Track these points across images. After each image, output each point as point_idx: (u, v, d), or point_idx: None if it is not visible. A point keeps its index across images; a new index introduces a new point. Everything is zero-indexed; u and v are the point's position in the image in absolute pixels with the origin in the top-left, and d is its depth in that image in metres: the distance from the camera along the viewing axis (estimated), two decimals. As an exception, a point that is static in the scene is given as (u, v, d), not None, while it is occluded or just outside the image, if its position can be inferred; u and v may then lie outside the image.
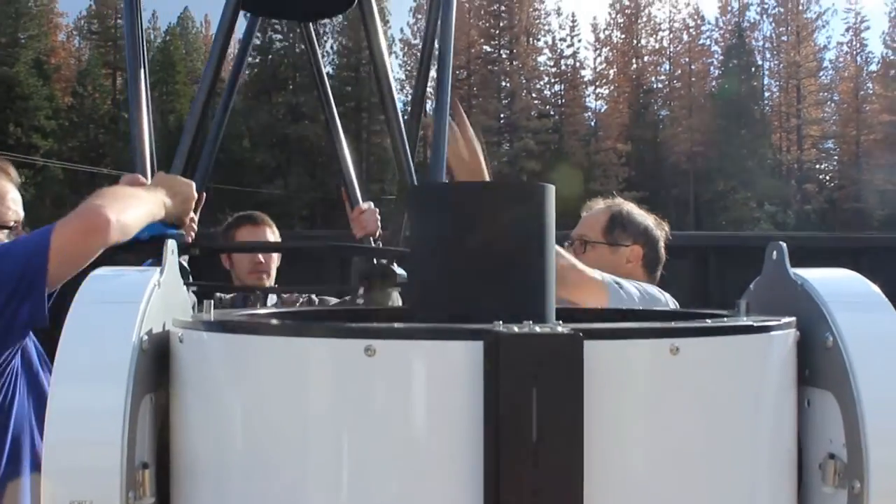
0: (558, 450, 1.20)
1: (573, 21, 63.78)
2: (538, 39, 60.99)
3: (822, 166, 62.47)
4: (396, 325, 1.31)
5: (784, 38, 61.42)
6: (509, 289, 1.48)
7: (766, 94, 62.66)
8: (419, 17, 61.17)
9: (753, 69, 60.55)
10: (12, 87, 53.54)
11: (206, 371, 1.45)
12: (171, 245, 1.67)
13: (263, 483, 1.35)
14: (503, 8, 58.10)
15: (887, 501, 1.46)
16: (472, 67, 58.17)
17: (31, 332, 2.35)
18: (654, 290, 3.08)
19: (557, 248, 2.67)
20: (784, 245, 1.76)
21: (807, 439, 1.60)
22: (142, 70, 2.71)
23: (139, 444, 1.44)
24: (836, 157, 62.05)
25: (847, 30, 61.80)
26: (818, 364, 1.57)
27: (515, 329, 1.21)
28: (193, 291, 3.04)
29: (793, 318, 1.55)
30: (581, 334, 1.21)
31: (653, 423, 1.32)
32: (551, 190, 1.64)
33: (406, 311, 1.70)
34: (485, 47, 56.33)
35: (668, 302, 3.03)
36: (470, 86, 58.49)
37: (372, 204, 3.40)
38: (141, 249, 2.35)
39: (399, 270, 2.84)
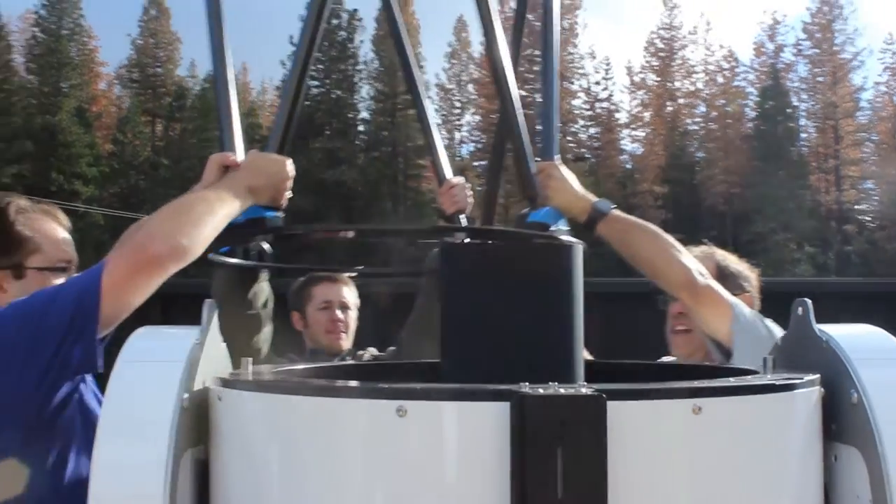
0: (583, 507, 1.24)
1: (607, 64, 63.90)
2: (573, 83, 61.23)
3: (862, 207, 61.89)
4: (427, 385, 1.36)
5: (820, 78, 61.19)
6: (536, 349, 1.52)
7: (803, 134, 62.31)
8: (454, 61, 61.74)
9: (789, 110, 60.29)
10: (55, 135, 54.50)
11: (244, 428, 1.50)
12: (209, 307, 1.73)
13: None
14: (537, 52, 58.55)
15: (913, 557, 1.48)
16: (507, 111, 58.52)
17: (94, 384, 2.25)
18: (769, 321, 2.96)
19: (696, 262, 2.67)
20: (809, 302, 1.79)
21: (834, 494, 1.62)
22: (227, 49, 2.54)
23: (181, 498, 1.49)
24: (875, 198, 61.47)
25: (884, 70, 61.58)
26: (844, 420, 1.59)
27: (540, 390, 1.26)
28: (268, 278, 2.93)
29: (816, 376, 1.58)
30: (604, 395, 1.25)
31: (677, 481, 1.36)
32: (579, 249, 1.69)
33: (438, 367, 1.75)
34: (520, 91, 56.69)
35: (776, 333, 2.90)
36: (505, 130, 58.79)
37: (463, 178, 3.20)
38: (236, 233, 2.28)
39: None
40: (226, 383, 1.56)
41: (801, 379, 1.54)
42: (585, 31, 61.53)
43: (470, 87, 62.41)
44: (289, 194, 2.44)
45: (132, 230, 2.56)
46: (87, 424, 2.10)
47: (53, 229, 2.55)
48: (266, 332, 3.06)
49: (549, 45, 2.81)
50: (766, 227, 54.62)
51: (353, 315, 4.16)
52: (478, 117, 61.91)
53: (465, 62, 62.08)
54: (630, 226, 2.65)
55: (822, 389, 1.59)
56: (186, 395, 1.53)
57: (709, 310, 2.66)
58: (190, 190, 2.47)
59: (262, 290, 2.96)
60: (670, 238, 2.64)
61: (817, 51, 60.74)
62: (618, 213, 2.65)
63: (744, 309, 2.67)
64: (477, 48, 61.04)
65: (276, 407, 1.45)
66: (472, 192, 3.18)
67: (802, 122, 62.33)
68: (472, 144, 62.38)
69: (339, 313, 4.10)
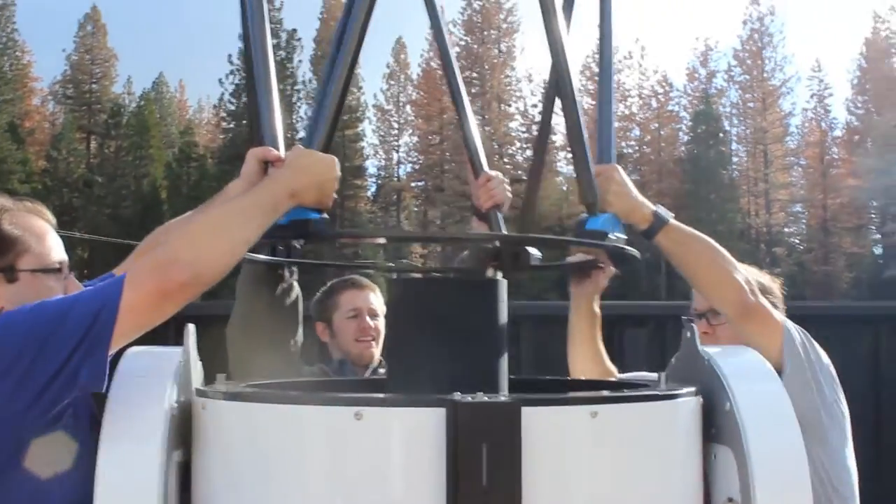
0: (503, 492, 1.58)
1: (544, 87, 64.82)
2: (510, 105, 62.05)
3: (791, 230, 63.43)
4: (379, 395, 1.69)
5: (750, 104, 62.72)
6: (467, 366, 1.87)
7: (735, 158, 63.75)
8: (392, 83, 62.13)
9: (721, 134, 61.66)
10: (-14, 151, 53.93)
11: (223, 433, 1.80)
12: (190, 331, 2.03)
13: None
14: (475, 75, 59.14)
15: (771, 536, 1.83)
16: (444, 133, 59.04)
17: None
18: (816, 345, 2.84)
19: (749, 278, 2.64)
20: (695, 326, 2.15)
21: (713, 486, 1.97)
22: (268, 36, 2.36)
23: (170, 495, 1.80)
24: (804, 221, 63.07)
25: (812, 96, 63.32)
26: (720, 424, 1.95)
27: (469, 399, 1.60)
28: (291, 274, 2.87)
29: (694, 388, 1.94)
30: (519, 403, 1.59)
31: (579, 472, 1.71)
32: (503, 284, 2.04)
33: (387, 382, 2.08)
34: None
35: (823, 357, 2.86)
36: (442, 151, 59.29)
37: (500, 173, 2.96)
38: (279, 235, 2.13)
39: (534, 252, 2.44)
40: (208, 394, 1.87)
41: (682, 390, 1.90)
42: (523, 55, 62.24)
43: (408, 108, 62.86)
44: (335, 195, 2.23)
45: (157, 237, 2.52)
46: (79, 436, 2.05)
47: (42, 227, 2.36)
48: (299, 334, 3.08)
49: (606, 48, 2.72)
50: (697, 248, 55.77)
51: (381, 323, 3.89)
52: (415, 138, 62.34)
53: (404, 83, 62.53)
54: (688, 238, 2.59)
55: (702, 399, 1.95)
56: (175, 405, 1.85)
57: (758, 328, 2.64)
58: (226, 189, 2.41)
59: (292, 287, 2.97)
60: (726, 252, 2.60)
61: (748, 77, 62.23)
62: (676, 223, 2.57)
63: (794, 332, 2.68)
64: (415, 69, 61.54)
65: (252, 414, 1.76)
66: (510, 188, 2.97)
67: (734, 146, 63.68)
68: (410, 165, 62.78)
69: (368, 321, 3.85)
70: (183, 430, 1.89)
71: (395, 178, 62.39)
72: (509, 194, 2.91)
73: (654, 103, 63.64)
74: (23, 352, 1.93)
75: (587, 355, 3.04)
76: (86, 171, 59.81)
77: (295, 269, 2.84)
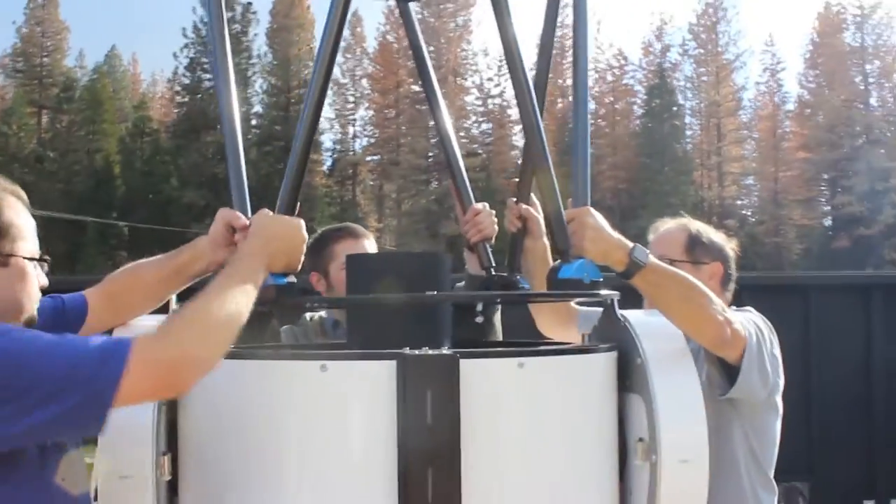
0: (445, 430, 1.92)
1: (500, 61, 65.02)
2: (465, 79, 62.13)
3: (743, 202, 64.22)
4: (341, 350, 2.04)
5: (704, 78, 63.21)
6: (415, 326, 2.20)
7: (688, 132, 64.30)
8: (349, 56, 61.92)
9: (675, 108, 62.15)
10: (-65, 126, 53.09)
11: (207, 389, 2.06)
12: (173, 300, 2.34)
13: (249, 465, 2.03)
14: (431, 48, 59.14)
15: (673, 467, 2.18)
16: (400, 107, 59.10)
17: None
18: (771, 337, 2.97)
19: (723, 307, 2.63)
20: (615, 294, 2.48)
21: (627, 429, 2.32)
22: (235, 104, 2.48)
23: (161, 438, 2.12)
24: (756, 194, 63.86)
25: (764, 70, 64.00)
26: (633, 376, 2.30)
27: (416, 352, 1.94)
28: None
29: (610, 344, 2.28)
30: (458, 355, 1.92)
31: (508, 413, 2.05)
32: (446, 259, 2.38)
33: (347, 341, 2.42)
34: (413, 87, 57.25)
35: (776, 352, 3.00)
36: (398, 125, 59.39)
37: (487, 205, 3.00)
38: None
39: (525, 284, 2.60)
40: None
41: (598, 346, 2.24)
42: (479, 28, 62.18)
43: (364, 81, 62.74)
44: (302, 258, 2.28)
45: (126, 277, 2.48)
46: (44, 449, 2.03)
47: (27, 213, 2.24)
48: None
49: (580, 82, 2.65)
50: (651, 221, 56.29)
51: None
52: (371, 112, 62.31)
53: (360, 56, 62.38)
54: (664, 278, 2.50)
55: (617, 354, 2.29)
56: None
57: (731, 352, 2.73)
58: (194, 243, 2.47)
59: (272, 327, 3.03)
60: (701, 286, 2.56)
61: (702, 51, 62.70)
62: (654, 263, 2.48)
63: (753, 337, 2.75)
64: (371, 43, 61.44)
65: (233, 370, 2.07)
66: (496, 220, 3.01)
67: (687, 119, 64.20)
68: (366, 139, 62.76)
69: None
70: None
71: (351, 152, 62.35)
72: (496, 227, 2.99)
73: (609, 77, 64.00)
74: (28, 391, 1.83)
75: (547, 306, 3.28)
76: (37, 146, 59.07)
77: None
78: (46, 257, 2.21)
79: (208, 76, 55.58)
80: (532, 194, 3.07)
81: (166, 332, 1.90)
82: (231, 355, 2.01)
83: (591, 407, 2.20)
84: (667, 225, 3.42)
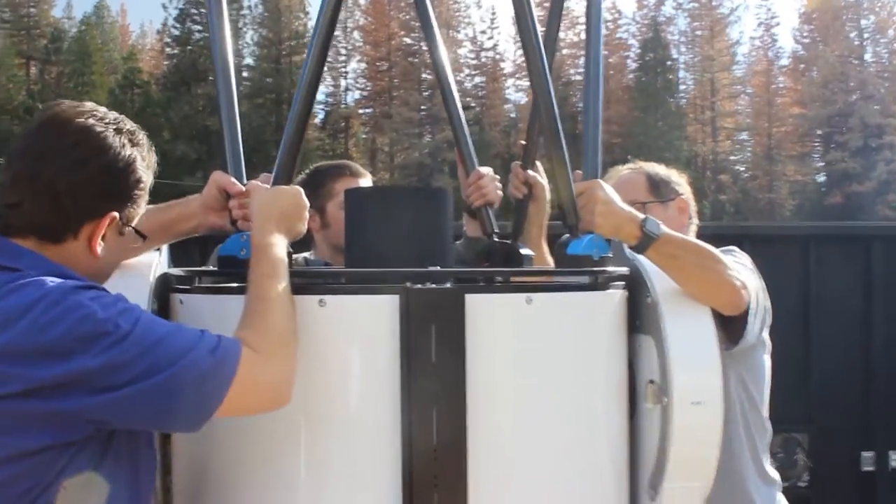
0: (450, 367, 1.82)
1: (493, 14, 64.57)
2: (458, 32, 61.66)
3: (736, 157, 64.16)
4: (340, 284, 1.93)
5: (698, 32, 62.89)
6: (417, 260, 2.07)
7: (682, 86, 64.11)
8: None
9: (669, 62, 61.89)
10: (-78, 77, 52.59)
11: (200, 324, 1.98)
12: (164, 246, 2.24)
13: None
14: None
15: (685, 410, 2.09)
16: (392, 59, 58.68)
17: None
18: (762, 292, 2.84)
19: (736, 268, 2.51)
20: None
21: (637, 371, 2.23)
22: (231, 67, 2.41)
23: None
24: (749, 149, 63.79)
25: (759, 25, 63.78)
26: (644, 316, 2.20)
27: (419, 286, 1.82)
28: None
29: (622, 279, 2.18)
30: (463, 289, 1.82)
31: (515, 351, 1.95)
32: (447, 194, 2.27)
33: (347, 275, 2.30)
34: (405, 39, 56.82)
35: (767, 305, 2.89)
36: (391, 78, 58.99)
37: (492, 170, 2.89)
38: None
39: (526, 251, 2.50)
40: (186, 290, 2.09)
41: (610, 282, 2.14)
42: (472, -20, 61.69)
43: (356, 34, 62.23)
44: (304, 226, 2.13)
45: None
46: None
47: (151, 170, 2.06)
48: None
49: (594, 50, 2.54)
50: (644, 176, 56.29)
51: None
52: (363, 65, 61.88)
53: (352, 8, 61.78)
54: (678, 249, 2.36)
55: (626, 292, 2.19)
56: (154, 301, 2.06)
57: (735, 310, 2.59)
58: (186, 200, 2.39)
59: None
60: (716, 253, 2.45)
61: (696, 5, 62.35)
62: (667, 234, 2.34)
63: (753, 294, 2.64)
64: (364, -5, 60.85)
65: (225, 305, 1.96)
66: (500, 185, 2.90)
67: (681, 74, 63.99)
68: (358, 92, 62.38)
69: None
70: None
71: (343, 105, 62.00)
72: (500, 192, 2.89)
73: (602, 30, 63.48)
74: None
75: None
76: (26, 97, 58.61)
77: None
78: (145, 234, 2.02)
79: (198, 27, 55.16)
80: (538, 162, 2.99)
81: (265, 351, 1.79)
82: (221, 290, 1.91)
83: (601, 346, 2.10)
84: (620, 172, 3.35)
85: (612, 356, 2.14)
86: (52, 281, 1.74)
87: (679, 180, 3.30)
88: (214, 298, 2.00)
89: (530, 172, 2.98)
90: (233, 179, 2.30)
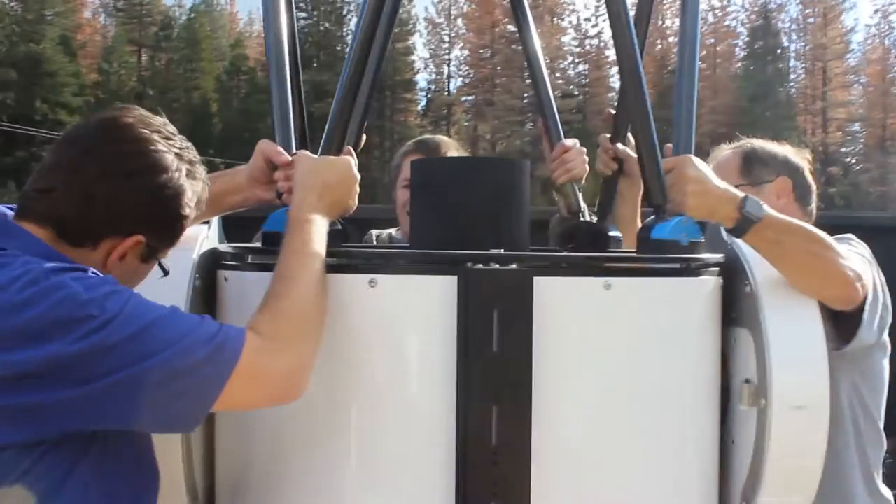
0: (514, 358, 1.60)
1: (598, 1, 63.68)
2: (562, 19, 61.12)
3: (848, 149, 62.29)
4: (393, 262, 1.72)
5: (811, 19, 61.19)
6: (483, 238, 1.86)
7: (792, 76, 62.51)
8: (443, -5, 61.36)
9: (779, 51, 60.40)
10: (39, 64, 54.11)
11: (245, 301, 1.82)
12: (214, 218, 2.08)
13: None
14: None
15: (785, 414, 1.84)
16: (495, 47, 58.39)
17: None
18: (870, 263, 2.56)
19: (851, 270, 2.20)
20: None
21: (732, 369, 1.98)
22: (283, 36, 2.23)
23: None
24: (861, 141, 61.88)
25: (875, 12, 61.73)
26: (741, 308, 1.95)
27: (481, 266, 1.61)
28: None
29: (717, 265, 1.93)
30: (531, 271, 1.60)
31: (590, 342, 1.72)
32: (526, 165, 2.04)
33: (400, 254, 2.10)
34: (509, 27, 56.48)
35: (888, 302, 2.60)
36: (494, 65, 58.74)
37: (578, 142, 2.68)
38: None
39: (615, 232, 2.32)
40: (231, 266, 1.92)
41: (703, 267, 1.89)
42: (577, -33, 61.05)
43: (459, 21, 62.19)
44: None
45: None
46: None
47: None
48: None
49: (687, 26, 2.26)
50: (751, 168, 55.08)
51: None
52: (466, 52, 61.80)
53: (456, -4, 61.83)
54: (783, 233, 2.07)
55: (721, 279, 1.94)
56: (198, 276, 1.90)
57: (850, 306, 2.29)
58: (233, 171, 2.21)
59: None
60: (828, 239, 2.15)
61: (809, -9, 60.64)
62: (770, 216, 2.05)
63: (870, 291, 2.34)
64: (466, -19, 60.78)
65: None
66: (588, 159, 2.68)
67: (792, 63, 62.39)
68: (461, 79, 62.35)
69: None
70: (208, 300, 1.95)
71: (446, 93, 62.03)
72: (587, 166, 2.66)
73: (710, 18, 62.27)
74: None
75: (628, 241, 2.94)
76: (137, 83, 60.22)
77: None
78: (167, 270, 1.81)
79: (303, 14, 55.81)
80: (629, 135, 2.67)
81: (276, 338, 1.61)
82: (267, 267, 1.73)
83: (690, 340, 1.85)
84: (723, 151, 3.04)
85: (702, 351, 1.89)
86: (35, 261, 1.56)
87: (788, 155, 2.95)
88: (261, 276, 1.81)
89: (620, 146, 2.69)
90: (279, 149, 2.07)
